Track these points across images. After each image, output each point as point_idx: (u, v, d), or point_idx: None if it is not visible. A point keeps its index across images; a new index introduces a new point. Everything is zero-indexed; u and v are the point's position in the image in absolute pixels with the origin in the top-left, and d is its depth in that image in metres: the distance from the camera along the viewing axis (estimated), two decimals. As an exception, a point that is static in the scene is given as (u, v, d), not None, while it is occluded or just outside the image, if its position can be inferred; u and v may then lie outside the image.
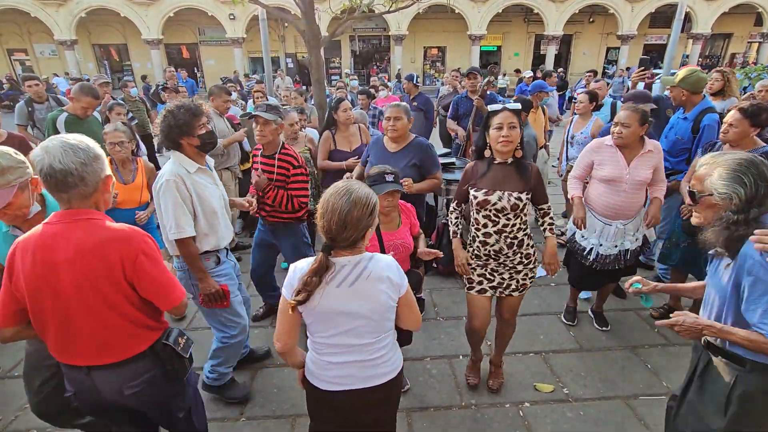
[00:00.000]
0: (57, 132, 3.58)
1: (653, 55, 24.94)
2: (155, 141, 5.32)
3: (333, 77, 22.41)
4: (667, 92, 4.46)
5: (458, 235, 2.38)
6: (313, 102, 6.96)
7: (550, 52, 22.65)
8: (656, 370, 2.75)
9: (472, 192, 2.23)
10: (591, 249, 2.86)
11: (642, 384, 2.64)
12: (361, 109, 5.31)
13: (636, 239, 2.84)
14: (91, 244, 1.32)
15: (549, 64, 22.34)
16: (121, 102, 4.86)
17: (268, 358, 2.89)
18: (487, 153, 2.23)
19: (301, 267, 1.42)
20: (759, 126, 2.58)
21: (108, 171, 1.42)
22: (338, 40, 21.98)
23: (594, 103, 4.14)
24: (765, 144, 2.66)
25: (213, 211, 2.19)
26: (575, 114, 4.28)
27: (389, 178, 2.11)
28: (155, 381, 1.52)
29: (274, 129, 2.70)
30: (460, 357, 2.88)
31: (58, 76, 18.94)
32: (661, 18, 22.75)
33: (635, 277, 1.80)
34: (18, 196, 1.52)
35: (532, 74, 6.90)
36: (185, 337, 1.59)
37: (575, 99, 4.58)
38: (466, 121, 4.52)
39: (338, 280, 1.37)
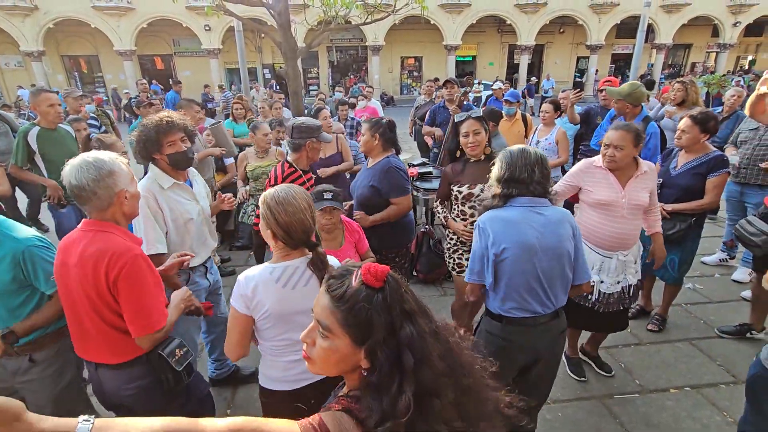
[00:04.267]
0: (28, 146, 3.46)
1: (620, 64, 26.03)
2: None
3: (311, 87, 22.44)
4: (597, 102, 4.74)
5: (449, 219, 2.68)
6: (290, 113, 6.98)
7: (523, 61, 23.31)
8: (629, 369, 2.85)
9: (456, 189, 2.59)
10: (591, 287, 2.40)
11: (616, 383, 2.73)
12: (339, 120, 5.35)
13: (636, 271, 2.50)
14: (89, 252, 1.42)
15: (522, 73, 22.97)
16: (77, 117, 4.69)
17: (254, 379, 2.81)
18: (458, 154, 2.65)
19: (253, 275, 1.46)
20: (708, 132, 2.77)
21: (123, 185, 1.48)
22: (316, 50, 22.08)
23: (558, 112, 4.36)
24: (715, 149, 2.86)
25: (185, 228, 2.16)
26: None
27: (327, 195, 2.15)
28: (149, 389, 1.57)
29: None
30: (442, 364, 2.92)
31: (22, 87, 18.33)
32: (626, 29, 23.73)
33: None
34: None
35: (501, 85, 7.05)
36: (184, 349, 1.60)
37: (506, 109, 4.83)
38: (443, 129, 4.61)
39: (293, 281, 1.46)
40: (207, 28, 21.09)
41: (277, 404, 1.60)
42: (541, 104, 4.65)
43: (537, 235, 1.67)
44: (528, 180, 1.68)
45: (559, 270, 1.72)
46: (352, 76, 24.87)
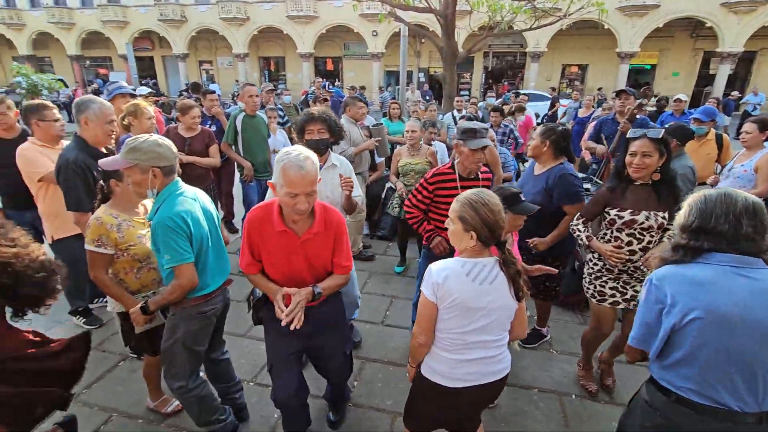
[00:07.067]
0: (235, 128, 4.34)
1: None
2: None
3: (462, 92, 22.53)
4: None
5: (593, 238, 2.45)
6: (441, 115, 7.15)
7: (723, 71, 19.32)
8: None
9: (614, 213, 2.32)
10: None
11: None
12: (492, 127, 5.28)
13: None
14: (327, 218, 1.87)
15: (719, 86, 19.08)
16: (273, 107, 5.73)
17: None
18: (626, 173, 2.32)
19: (445, 266, 1.56)
20: None
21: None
22: (472, 56, 22.11)
23: (765, 133, 3.45)
24: None
25: None
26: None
27: (523, 197, 2.16)
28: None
29: None
30: (573, 396, 2.68)
31: (214, 82, 22.93)
32: None
33: None
34: (136, 174, 1.81)
35: (685, 98, 5.89)
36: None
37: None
38: (608, 144, 4.17)
39: (482, 277, 1.54)
40: (374, 33, 22.96)
41: (432, 396, 1.68)
42: (740, 124, 3.80)
43: (740, 305, 1.27)
44: (730, 234, 1.32)
45: None
46: (505, 83, 24.15)
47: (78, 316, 3.32)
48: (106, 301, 2.52)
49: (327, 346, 2.08)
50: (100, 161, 1.91)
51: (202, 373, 2.23)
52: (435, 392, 1.65)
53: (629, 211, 2.26)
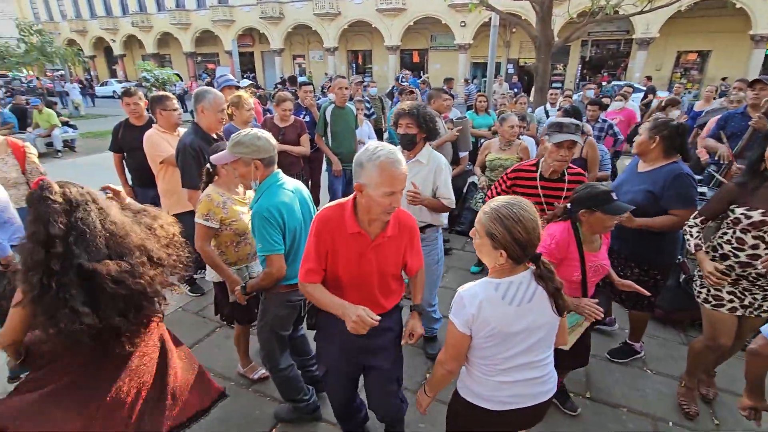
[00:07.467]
0: (325, 119, 4.54)
1: None
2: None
3: (554, 84, 21.11)
4: None
5: (701, 248, 2.19)
6: (531, 109, 6.76)
7: None
8: None
9: (740, 211, 2.05)
10: None
11: None
12: (587, 121, 4.87)
13: None
14: (402, 222, 1.81)
15: None
16: (360, 99, 5.89)
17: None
18: (763, 168, 2.02)
19: (476, 292, 1.40)
20: None
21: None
22: (567, 45, 20.53)
23: None
24: None
25: None
26: None
27: (615, 195, 1.94)
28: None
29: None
30: (670, 423, 2.40)
31: (303, 75, 24.01)
32: None
33: None
34: (241, 167, 1.95)
35: None
36: None
37: None
38: (734, 143, 3.60)
39: (518, 297, 1.38)
40: (463, 24, 22.40)
41: (473, 421, 1.55)
42: None
43: None
44: None
45: None
46: (605, 74, 22.11)
47: (184, 284, 3.77)
48: (205, 272, 2.83)
49: (377, 366, 1.85)
50: (212, 157, 2.13)
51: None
52: (476, 416, 1.51)
53: (761, 211, 1.97)
